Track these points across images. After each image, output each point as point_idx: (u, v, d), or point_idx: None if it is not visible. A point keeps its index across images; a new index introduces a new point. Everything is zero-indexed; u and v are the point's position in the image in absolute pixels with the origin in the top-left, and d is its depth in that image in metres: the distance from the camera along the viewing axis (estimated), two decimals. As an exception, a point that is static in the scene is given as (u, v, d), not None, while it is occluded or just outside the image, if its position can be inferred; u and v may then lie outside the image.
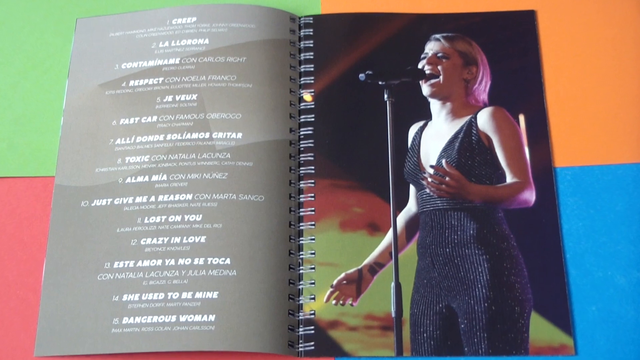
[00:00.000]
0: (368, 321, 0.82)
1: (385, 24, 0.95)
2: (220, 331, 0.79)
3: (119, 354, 0.80)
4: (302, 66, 0.94)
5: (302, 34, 0.95)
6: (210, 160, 0.87)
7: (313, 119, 0.91)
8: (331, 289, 0.83)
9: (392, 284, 0.83)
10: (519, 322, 0.81)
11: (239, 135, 0.88)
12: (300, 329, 0.82)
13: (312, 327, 0.82)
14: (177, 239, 0.84)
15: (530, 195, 0.86)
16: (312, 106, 0.92)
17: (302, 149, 0.90)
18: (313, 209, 0.87)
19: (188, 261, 0.83)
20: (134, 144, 0.89)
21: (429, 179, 0.87)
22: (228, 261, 0.82)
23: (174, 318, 0.80)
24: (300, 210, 0.87)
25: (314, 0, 0.98)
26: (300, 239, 0.86)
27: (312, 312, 0.83)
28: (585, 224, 0.85)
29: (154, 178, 0.87)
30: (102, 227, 0.85)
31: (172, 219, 0.85)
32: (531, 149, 0.88)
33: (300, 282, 0.84)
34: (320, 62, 0.94)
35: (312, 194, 0.87)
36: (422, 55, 0.93)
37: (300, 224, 0.86)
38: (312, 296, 0.83)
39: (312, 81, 0.93)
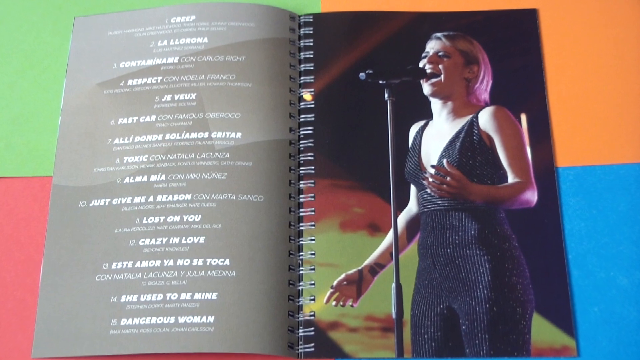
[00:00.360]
0: (368, 322, 0.82)
1: (386, 22, 0.95)
2: (220, 332, 0.79)
3: (117, 356, 0.80)
4: (302, 65, 0.93)
5: (302, 32, 0.95)
6: (209, 160, 0.86)
7: (313, 119, 0.90)
8: (331, 290, 0.83)
9: (393, 285, 0.83)
10: (520, 324, 0.81)
11: (238, 134, 0.88)
12: (300, 331, 0.82)
13: (312, 329, 0.81)
14: (176, 240, 0.83)
15: (532, 196, 0.86)
16: (312, 105, 0.91)
17: (302, 148, 0.89)
18: (313, 209, 0.86)
19: (187, 262, 0.82)
20: (132, 144, 0.88)
21: (430, 179, 0.87)
22: (227, 262, 0.82)
23: (172, 319, 0.80)
24: (300, 210, 0.86)
25: (314, -1, 0.98)
26: (300, 239, 0.85)
27: (312, 313, 0.82)
28: (588, 225, 0.85)
29: (153, 178, 0.86)
30: (100, 228, 0.85)
31: (170, 219, 0.84)
32: (533, 149, 0.88)
33: (300, 283, 0.83)
34: (320, 61, 0.93)
35: (312, 194, 0.87)
36: (423, 54, 0.92)
37: (300, 224, 0.86)
38: (312, 297, 0.83)
39: (312, 80, 0.92)
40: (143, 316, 0.80)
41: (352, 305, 0.83)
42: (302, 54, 0.94)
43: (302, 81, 0.92)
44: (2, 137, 0.92)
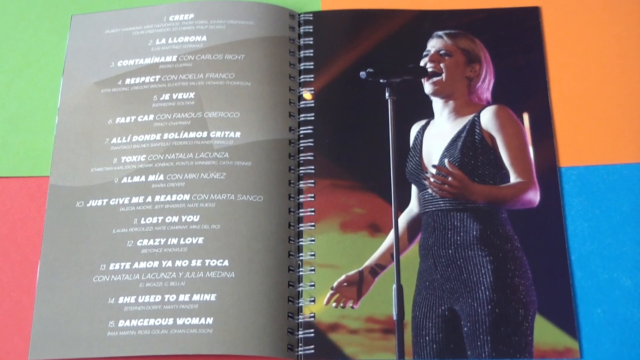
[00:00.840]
0: (369, 324, 0.81)
1: (387, 20, 0.94)
2: (218, 334, 0.79)
3: (115, 358, 0.79)
4: (301, 64, 0.93)
5: (301, 30, 0.94)
6: (208, 160, 0.86)
7: (313, 118, 0.90)
8: (331, 291, 0.83)
9: (394, 286, 0.82)
10: (523, 325, 0.80)
11: (237, 134, 0.87)
12: (300, 332, 0.81)
13: (312, 330, 0.81)
14: (174, 240, 0.83)
15: (534, 196, 0.85)
16: (312, 104, 0.91)
17: (301, 148, 0.89)
18: (313, 209, 0.86)
19: (185, 263, 0.82)
20: (130, 144, 0.88)
21: (431, 179, 0.86)
22: (226, 263, 0.82)
23: (171, 321, 0.80)
24: (300, 210, 0.86)
25: (313, -3, 0.97)
26: (300, 240, 0.85)
27: (312, 314, 0.82)
28: (591, 225, 0.84)
29: (151, 178, 0.86)
30: (98, 228, 0.84)
31: (169, 219, 0.84)
32: (535, 149, 0.87)
33: (300, 284, 0.83)
34: (320, 60, 0.93)
35: (312, 195, 0.86)
36: (424, 53, 0.92)
37: (300, 224, 0.85)
38: (312, 298, 0.82)
39: (312, 79, 0.92)
40: (141, 318, 0.80)
41: (352, 307, 0.82)
42: (302, 52, 0.93)
43: (301, 80, 0.92)
44: (-1, 137, 0.92)
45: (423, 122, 0.90)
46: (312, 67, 0.92)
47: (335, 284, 0.83)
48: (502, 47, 0.92)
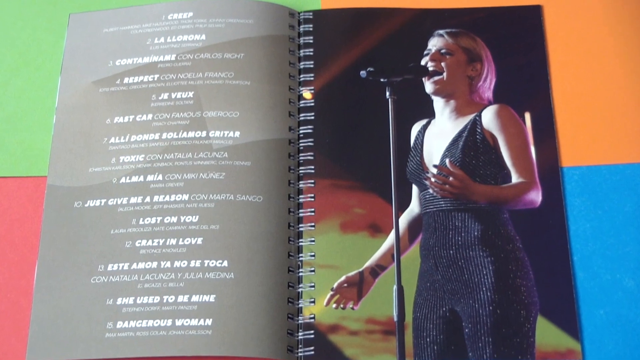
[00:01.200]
0: (369, 325, 0.81)
1: (387, 19, 0.94)
2: (218, 336, 0.78)
3: (113, 359, 0.79)
4: (301, 63, 0.92)
5: (301, 29, 0.94)
6: (207, 160, 0.86)
7: (313, 117, 0.89)
8: (331, 292, 0.83)
9: (394, 287, 0.82)
10: (524, 326, 0.80)
11: (237, 134, 0.87)
12: (300, 334, 0.81)
13: (312, 332, 0.81)
14: (173, 241, 0.83)
15: (536, 196, 0.85)
16: (312, 104, 0.90)
17: (301, 148, 0.88)
18: (313, 209, 0.85)
19: (184, 263, 0.82)
20: (128, 143, 0.87)
21: (432, 179, 0.86)
22: (225, 263, 0.81)
23: (169, 322, 0.79)
24: (300, 211, 0.85)
25: (313, -5, 0.97)
26: (300, 240, 0.84)
27: (312, 316, 0.81)
28: (593, 225, 0.84)
29: (149, 178, 0.86)
30: (96, 229, 0.84)
31: (167, 220, 0.83)
32: (537, 148, 0.87)
33: (300, 285, 0.82)
34: (320, 59, 0.92)
35: (312, 195, 0.86)
36: (425, 52, 0.91)
37: (300, 225, 0.85)
38: (312, 299, 0.82)
39: (312, 78, 0.91)
40: (139, 319, 0.80)
41: (352, 308, 0.82)
42: (301, 51, 0.93)
43: (301, 79, 0.92)
44: (-4, 136, 0.91)
45: (424, 121, 0.89)
46: (312, 66, 0.92)
47: (335, 285, 0.83)
48: (504, 45, 0.92)
